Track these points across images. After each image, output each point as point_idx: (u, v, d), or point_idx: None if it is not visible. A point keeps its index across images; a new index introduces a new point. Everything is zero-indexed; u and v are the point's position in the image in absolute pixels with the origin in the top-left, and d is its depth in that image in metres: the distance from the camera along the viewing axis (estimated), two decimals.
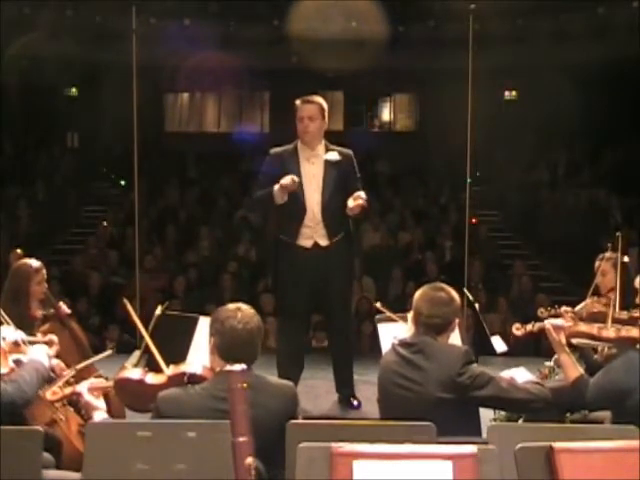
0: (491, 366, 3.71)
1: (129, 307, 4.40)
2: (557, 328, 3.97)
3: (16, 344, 3.84)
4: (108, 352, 4.75)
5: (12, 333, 3.97)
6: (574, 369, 3.86)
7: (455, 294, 3.75)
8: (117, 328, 9.35)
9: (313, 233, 5.30)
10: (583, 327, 4.21)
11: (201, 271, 11.25)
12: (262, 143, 12.09)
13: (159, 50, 13.03)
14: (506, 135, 15.40)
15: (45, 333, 4.55)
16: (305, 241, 5.30)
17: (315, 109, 5.26)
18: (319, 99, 5.35)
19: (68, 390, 3.43)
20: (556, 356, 4.46)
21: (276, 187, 5.13)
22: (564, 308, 4.72)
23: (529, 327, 4.50)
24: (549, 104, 14.41)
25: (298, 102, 5.32)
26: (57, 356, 4.28)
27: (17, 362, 3.76)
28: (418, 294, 3.75)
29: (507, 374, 3.72)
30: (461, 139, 8.56)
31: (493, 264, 11.92)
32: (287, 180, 5.10)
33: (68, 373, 3.94)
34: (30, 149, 15.70)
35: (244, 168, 14.71)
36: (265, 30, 14.61)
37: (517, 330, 4.59)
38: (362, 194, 5.11)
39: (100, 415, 3.30)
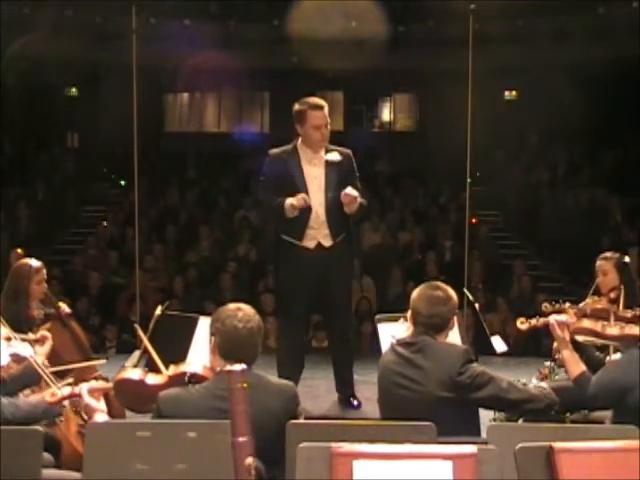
0: (491, 366, 3.71)
1: (141, 333, 4.37)
2: (561, 324, 3.97)
3: (8, 339, 3.84)
4: (102, 361, 4.76)
5: (3, 330, 3.97)
6: (577, 365, 3.86)
7: (452, 292, 3.75)
8: (117, 328, 9.37)
9: (317, 234, 5.29)
10: (587, 324, 4.22)
11: (201, 271, 11.25)
12: (262, 143, 12.10)
13: (159, 50, 13.02)
14: (506, 135, 15.40)
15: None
16: (309, 242, 5.29)
17: (326, 115, 5.20)
18: (323, 102, 5.28)
19: (67, 391, 3.41)
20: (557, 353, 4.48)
21: (287, 204, 5.09)
22: (568, 304, 4.73)
23: (533, 322, 4.52)
24: (549, 104, 14.40)
25: (305, 108, 5.18)
26: (56, 354, 4.29)
27: (14, 356, 3.75)
28: (415, 294, 3.75)
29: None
30: (461, 139, 8.55)
31: (493, 264, 11.92)
32: (299, 201, 5.10)
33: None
34: (30, 149, 15.69)
35: (244, 168, 14.71)
36: (265, 30, 14.62)
37: (521, 324, 4.61)
38: (348, 190, 5.10)
39: (101, 417, 3.29)
